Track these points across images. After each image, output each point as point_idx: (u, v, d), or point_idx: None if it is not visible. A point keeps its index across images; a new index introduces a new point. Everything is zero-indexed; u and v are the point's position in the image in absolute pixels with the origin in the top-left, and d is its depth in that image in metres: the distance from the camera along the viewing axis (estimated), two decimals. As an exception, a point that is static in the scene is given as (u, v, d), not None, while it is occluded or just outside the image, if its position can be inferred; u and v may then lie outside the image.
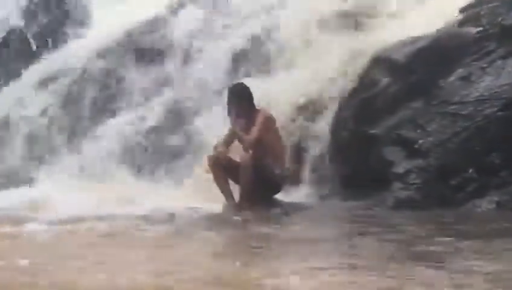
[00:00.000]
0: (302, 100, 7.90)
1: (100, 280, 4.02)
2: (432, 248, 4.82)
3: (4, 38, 9.72)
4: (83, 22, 9.95)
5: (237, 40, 8.92)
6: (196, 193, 7.47)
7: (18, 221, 6.26)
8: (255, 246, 5.45)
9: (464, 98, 6.80)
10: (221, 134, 7.31)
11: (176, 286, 3.93)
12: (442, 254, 4.64)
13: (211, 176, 7.07)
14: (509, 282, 3.54)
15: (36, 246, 5.42)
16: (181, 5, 9.30)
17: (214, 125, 7.95)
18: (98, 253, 4.95)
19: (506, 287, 3.53)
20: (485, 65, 6.89)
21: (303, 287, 3.87)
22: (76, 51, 9.46)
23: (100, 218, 6.47)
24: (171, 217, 6.48)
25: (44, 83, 9.14)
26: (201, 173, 7.43)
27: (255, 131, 6.90)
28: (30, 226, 6.06)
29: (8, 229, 5.95)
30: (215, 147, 7.11)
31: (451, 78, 6.96)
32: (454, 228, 5.79)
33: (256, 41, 8.93)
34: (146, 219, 6.36)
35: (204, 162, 7.21)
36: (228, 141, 7.08)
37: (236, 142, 7.12)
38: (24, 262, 4.54)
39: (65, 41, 9.77)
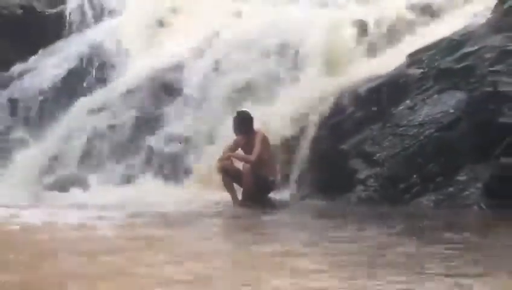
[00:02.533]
0: (288, 132, 7.84)
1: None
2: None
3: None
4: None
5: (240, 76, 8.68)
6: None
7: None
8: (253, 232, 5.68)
9: (409, 123, 6.92)
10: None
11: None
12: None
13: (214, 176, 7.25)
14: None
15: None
16: (199, 54, 9.15)
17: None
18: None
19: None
20: (425, 98, 7.02)
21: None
22: (119, 85, 9.26)
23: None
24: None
25: (94, 110, 9.00)
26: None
27: (255, 153, 6.93)
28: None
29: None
30: (222, 158, 7.11)
31: (401, 107, 7.10)
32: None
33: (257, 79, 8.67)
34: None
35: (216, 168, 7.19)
36: (232, 150, 7.15)
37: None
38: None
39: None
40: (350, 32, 8.51)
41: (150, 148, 8.34)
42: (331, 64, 8.26)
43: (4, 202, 6.82)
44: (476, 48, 7.03)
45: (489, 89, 6.61)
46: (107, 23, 9.83)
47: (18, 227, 5.68)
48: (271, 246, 4.73)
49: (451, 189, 6.39)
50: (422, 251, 4.46)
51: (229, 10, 9.76)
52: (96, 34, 9.62)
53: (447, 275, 3.65)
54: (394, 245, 4.65)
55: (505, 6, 7.26)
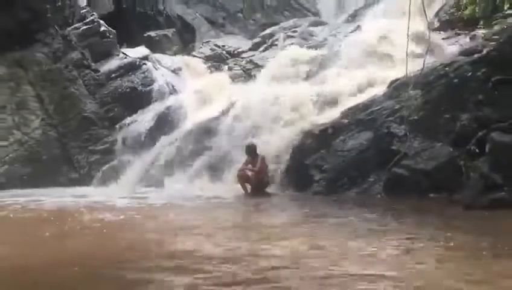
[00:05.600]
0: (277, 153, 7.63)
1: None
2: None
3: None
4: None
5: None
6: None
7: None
8: (259, 208, 6.13)
9: (342, 149, 6.95)
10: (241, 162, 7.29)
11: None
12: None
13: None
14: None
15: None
16: (225, 112, 8.73)
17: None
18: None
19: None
20: (350, 135, 7.12)
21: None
22: (183, 129, 8.91)
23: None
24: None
25: (170, 143, 8.62)
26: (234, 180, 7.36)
27: (258, 166, 7.06)
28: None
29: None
30: (239, 170, 7.23)
31: (337, 140, 7.16)
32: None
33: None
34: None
35: (235, 176, 7.28)
36: (245, 165, 7.20)
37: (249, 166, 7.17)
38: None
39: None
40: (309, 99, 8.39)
41: (201, 164, 8.04)
42: (299, 117, 8.15)
43: (123, 196, 6.86)
44: (378, 108, 7.16)
45: (386, 130, 6.77)
46: (175, 96, 9.61)
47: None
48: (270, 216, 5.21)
49: (365, 186, 6.53)
50: (355, 214, 5.13)
51: (242, 87, 9.58)
52: (169, 102, 9.41)
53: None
54: (335, 212, 5.28)
55: (393, 85, 7.34)
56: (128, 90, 9.33)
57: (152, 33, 11.35)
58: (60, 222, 4.74)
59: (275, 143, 7.76)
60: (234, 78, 10.03)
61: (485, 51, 6.56)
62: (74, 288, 2.71)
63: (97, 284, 2.75)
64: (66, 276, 2.88)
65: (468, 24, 8.29)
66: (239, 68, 10.22)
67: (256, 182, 7.10)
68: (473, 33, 7.89)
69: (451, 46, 7.95)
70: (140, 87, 9.40)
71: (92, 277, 2.88)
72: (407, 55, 6.94)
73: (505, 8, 7.42)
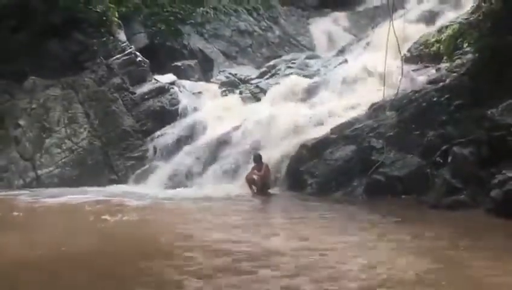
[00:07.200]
0: (278, 162, 7.59)
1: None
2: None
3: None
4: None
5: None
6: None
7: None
8: (263, 205, 6.33)
9: (331, 158, 7.00)
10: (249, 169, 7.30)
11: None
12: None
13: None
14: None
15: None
16: (237, 128, 8.72)
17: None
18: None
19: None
20: (337, 147, 7.09)
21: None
22: (202, 140, 8.81)
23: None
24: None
25: (191, 151, 8.61)
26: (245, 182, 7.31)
27: (262, 172, 7.11)
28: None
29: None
30: (247, 175, 7.26)
31: (326, 152, 7.10)
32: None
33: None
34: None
35: (244, 179, 7.31)
36: (252, 171, 7.22)
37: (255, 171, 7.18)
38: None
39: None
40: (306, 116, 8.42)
41: (216, 169, 8.06)
42: (296, 133, 8.11)
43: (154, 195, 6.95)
44: (360, 125, 7.18)
45: (366, 144, 6.79)
46: (197, 114, 9.33)
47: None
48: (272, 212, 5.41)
49: (349, 189, 6.52)
50: (341, 210, 5.42)
51: (250, 108, 9.44)
52: (192, 119, 9.32)
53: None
54: (327, 208, 5.53)
55: (373, 107, 7.38)
56: (158, 108, 9.35)
57: (178, 63, 11.54)
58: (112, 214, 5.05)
59: (277, 153, 7.79)
60: (244, 100, 10.20)
61: (448, 81, 6.70)
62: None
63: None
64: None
65: (434, 59, 8.28)
66: (248, 92, 10.33)
67: (261, 184, 7.18)
68: (438, 66, 7.86)
69: (421, 76, 8.10)
70: (168, 107, 9.44)
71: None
72: (384, 83, 7.30)
73: (464, 46, 7.63)
